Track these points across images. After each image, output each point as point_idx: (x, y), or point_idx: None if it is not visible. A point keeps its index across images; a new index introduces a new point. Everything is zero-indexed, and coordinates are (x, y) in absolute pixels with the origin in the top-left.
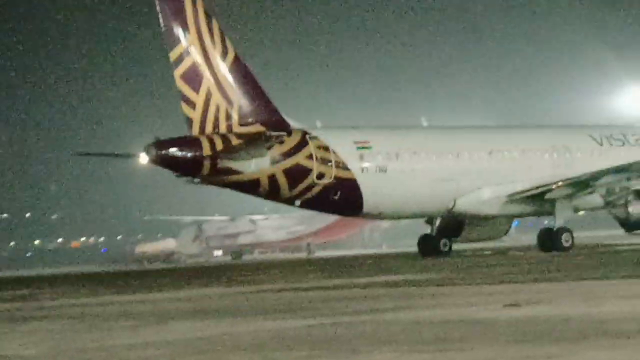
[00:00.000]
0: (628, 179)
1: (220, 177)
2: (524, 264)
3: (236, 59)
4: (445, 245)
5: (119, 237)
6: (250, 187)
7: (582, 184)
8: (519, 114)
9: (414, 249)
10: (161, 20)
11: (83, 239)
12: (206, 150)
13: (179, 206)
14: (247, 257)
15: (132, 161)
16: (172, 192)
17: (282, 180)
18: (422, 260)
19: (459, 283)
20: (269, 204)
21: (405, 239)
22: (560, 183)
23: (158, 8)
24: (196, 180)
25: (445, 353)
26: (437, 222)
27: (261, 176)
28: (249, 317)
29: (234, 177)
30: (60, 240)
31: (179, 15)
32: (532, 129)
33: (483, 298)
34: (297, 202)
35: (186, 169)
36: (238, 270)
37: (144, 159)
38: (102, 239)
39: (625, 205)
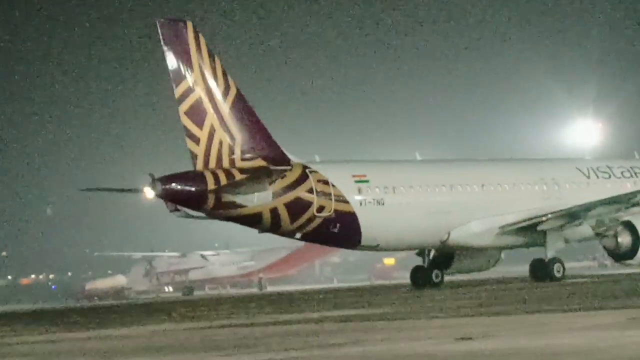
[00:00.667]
0: (617, 211)
1: (224, 211)
2: (482, 297)
3: (238, 95)
4: (437, 276)
5: (69, 274)
6: (252, 220)
7: (573, 216)
8: (473, 148)
9: (366, 282)
10: (167, 59)
11: (33, 276)
12: (211, 184)
13: (129, 242)
14: (198, 293)
15: (99, 197)
16: (122, 229)
17: (283, 214)
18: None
19: (411, 317)
20: (218, 240)
21: (356, 274)
22: (551, 215)
23: (164, 48)
24: (196, 214)
25: None
26: (430, 254)
27: (264, 210)
28: (201, 353)
29: (238, 211)
30: (9, 277)
31: (184, 55)
32: (521, 162)
33: (434, 331)
34: (298, 235)
35: (191, 202)
36: (189, 306)
37: (150, 193)
38: (52, 275)
39: (615, 236)
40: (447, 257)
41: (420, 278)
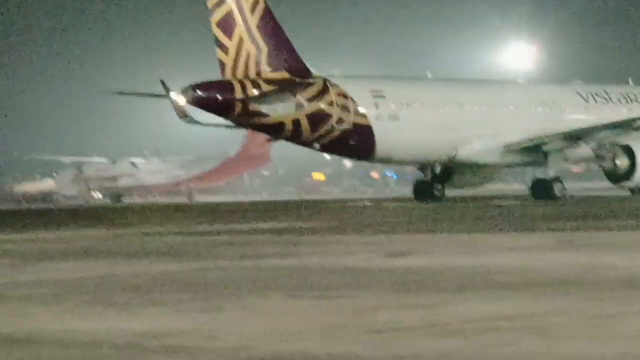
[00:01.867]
0: (618, 135)
1: (249, 119)
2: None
3: (266, 10)
4: (438, 190)
5: None
6: (275, 129)
7: (576, 138)
8: (407, 66)
9: (293, 196)
10: None
11: None
12: (238, 93)
13: (58, 146)
14: (126, 200)
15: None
16: (50, 132)
17: (304, 124)
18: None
19: (341, 232)
20: (148, 148)
21: (285, 187)
22: (555, 136)
23: None
24: (210, 122)
25: (328, 300)
26: (431, 169)
27: (286, 120)
28: (131, 260)
29: (262, 120)
30: None
31: None
32: (524, 85)
33: (366, 247)
34: (317, 146)
35: (219, 110)
36: (119, 212)
37: (181, 100)
38: None
39: (613, 158)
40: (446, 173)
41: (422, 192)
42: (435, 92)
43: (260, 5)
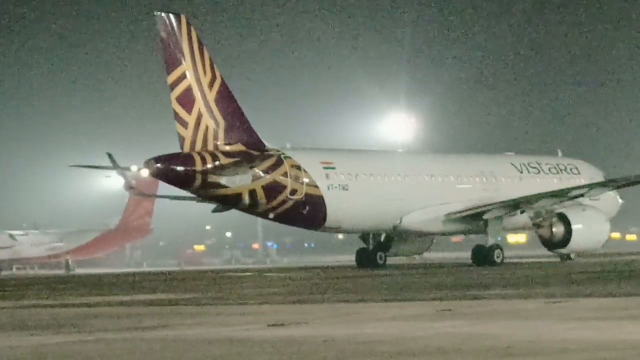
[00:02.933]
0: (554, 204)
1: (208, 191)
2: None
3: (223, 85)
4: (380, 258)
5: None
6: (233, 200)
7: (515, 206)
8: (291, 136)
9: (175, 267)
10: (163, 49)
11: None
12: (199, 165)
13: None
14: (4, 273)
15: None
16: None
17: (260, 195)
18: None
19: (222, 303)
20: (27, 220)
21: (166, 259)
22: (495, 205)
23: (161, 38)
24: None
25: None
26: (377, 237)
27: (243, 191)
28: (8, 332)
29: (221, 191)
30: None
31: (177, 45)
32: (464, 156)
33: (246, 318)
34: (271, 215)
35: (180, 182)
36: None
37: (144, 172)
38: None
39: (550, 226)
40: (387, 241)
41: (365, 260)
42: (381, 163)
43: (218, 81)
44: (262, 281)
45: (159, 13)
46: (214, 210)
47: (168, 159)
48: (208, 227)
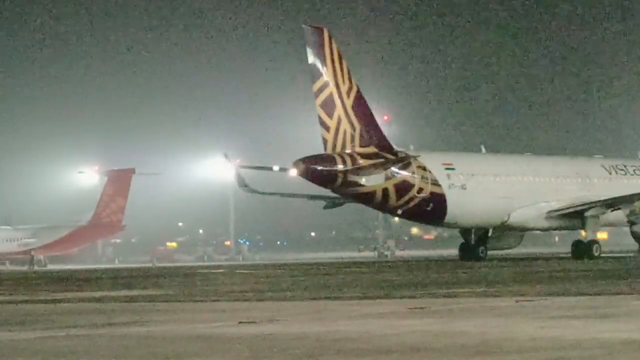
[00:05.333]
0: None
1: (348, 189)
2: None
3: (358, 93)
4: (482, 251)
5: None
6: (368, 198)
7: (614, 205)
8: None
9: (147, 264)
10: (309, 59)
11: None
12: (340, 166)
13: None
14: None
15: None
16: None
17: (392, 193)
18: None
19: (193, 300)
20: None
21: (138, 256)
22: (595, 203)
23: (308, 49)
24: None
25: None
26: (475, 234)
27: (378, 189)
28: None
29: (358, 189)
30: None
31: (321, 56)
32: (560, 158)
33: (218, 315)
34: (399, 211)
35: (324, 180)
36: None
37: (293, 172)
38: None
39: None
40: (484, 236)
41: (468, 253)
42: (493, 165)
43: (354, 89)
44: (233, 278)
45: (306, 26)
46: (326, 207)
47: (315, 159)
48: (180, 224)
